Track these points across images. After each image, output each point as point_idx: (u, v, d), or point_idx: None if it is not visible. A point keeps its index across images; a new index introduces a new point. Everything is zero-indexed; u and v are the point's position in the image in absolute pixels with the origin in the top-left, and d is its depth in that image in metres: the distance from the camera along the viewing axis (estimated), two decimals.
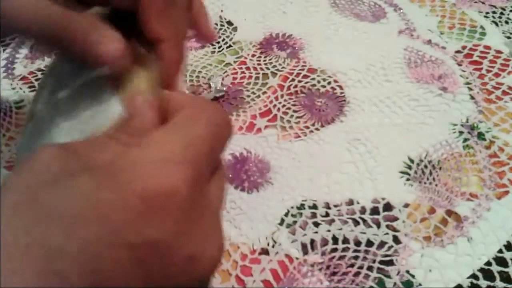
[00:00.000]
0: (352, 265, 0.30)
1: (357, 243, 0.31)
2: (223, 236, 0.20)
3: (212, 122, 0.20)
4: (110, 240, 0.16)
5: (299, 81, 0.42)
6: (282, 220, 0.33)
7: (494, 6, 0.49)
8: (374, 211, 0.33)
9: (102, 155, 0.18)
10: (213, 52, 0.45)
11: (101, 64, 0.21)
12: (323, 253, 0.31)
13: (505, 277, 0.30)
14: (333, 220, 0.33)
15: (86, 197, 0.17)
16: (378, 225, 0.32)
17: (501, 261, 0.31)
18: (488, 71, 0.43)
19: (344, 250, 0.31)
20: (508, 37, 0.46)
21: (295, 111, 0.39)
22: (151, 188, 0.17)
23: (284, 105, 0.40)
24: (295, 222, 0.32)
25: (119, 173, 0.17)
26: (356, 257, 0.31)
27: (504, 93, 0.41)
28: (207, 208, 0.19)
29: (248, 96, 0.41)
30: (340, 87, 0.41)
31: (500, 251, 0.31)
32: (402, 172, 0.35)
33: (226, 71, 0.43)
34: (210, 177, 0.20)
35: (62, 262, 0.16)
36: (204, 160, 0.19)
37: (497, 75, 0.42)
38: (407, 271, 0.30)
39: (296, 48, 0.45)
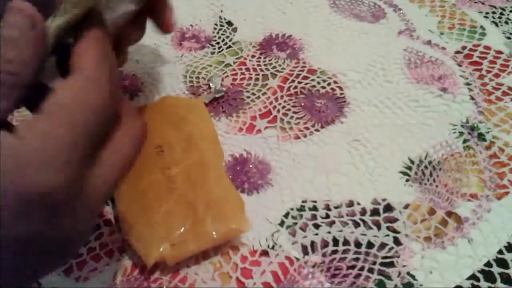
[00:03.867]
0: (352, 267, 0.30)
1: (358, 244, 0.31)
2: (93, 218, 0.22)
3: (98, 102, 0.20)
4: None
5: (299, 82, 0.42)
6: (282, 222, 0.33)
7: (494, 6, 0.49)
8: (375, 212, 0.33)
9: None
10: (212, 53, 0.45)
11: None
12: (323, 255, 0.31)
13: (505, 278, 0.30)
14: (333, 222, 0.32)
15: None
16: (379, 227, 0.32)
17: (502, 262, 0.30)
18: (488, 71, 0.42)
19: (344, 251, 0.31)
20: (508, 38, 0.46)
21: (295, 112, 0.39)
22: (26, 188, 0.18)
23: (284, 106, 0.40)
24: (295, 223, 0.32)
25: None
26: (356, 259, 0.31)
27: (504, 93, 0.41)
28: (80, 201, 0.20)
29: (248, 97, 0.41)
30: (340, 88, 0.41)
31: (501, 252, 0.31)
32: (402, 173, 0.35)
33: (225, 72, 0.43)
34: (94, 159, 0.21)
35: None
36: (83, 151, 0.19)
37: (497, 75, 0.42)
38: (408, 273, 0.30)
39: (296, 49, 0.45)
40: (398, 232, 0.32)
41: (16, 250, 0.19)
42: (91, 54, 0.21)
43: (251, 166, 0.36)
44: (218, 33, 0.47)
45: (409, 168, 0.35)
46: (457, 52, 0.44)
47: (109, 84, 0.21)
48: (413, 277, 0.30)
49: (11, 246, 0.19)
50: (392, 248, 0.31)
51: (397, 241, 0.31)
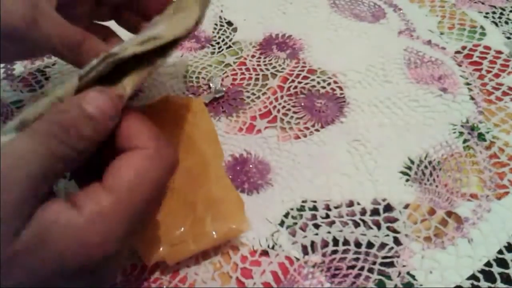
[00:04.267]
0: (352, 267, 0.30)
1: (358, 244, 0.31)
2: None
3: (162, 180, 0.21)
4: None
5: (299, 82, 0.42)
6: (282, 222, 0.33)
7: (494, 7, 0.49)
8: (375, 212, 0.33)
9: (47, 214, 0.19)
10: (212, 53, 0.45)
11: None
12: (323, 255, 0.31)
13: (505, 278, 0.30)
14: (333, 222, 0.32)
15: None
16: (379, 227, 0.32)
17: (502, 262, 0.30)
18: (488, 71, 0.42)
19: (344, 251, 0.31)
20: (508, 37, 0.46)
21: (295, 112, 0.39)
22: (77, 261, 0.19)
23: (284, 106, 0.40)
24: (295, 223, 0.32)
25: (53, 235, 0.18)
26: (356, 259, 0.31)
27: (504, 93, 0.41)
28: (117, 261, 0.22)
29: (248, 97, 0.41)
30: (340, 88, 0.41)
31: (501, 252, 0.31)
32: (402, 173, 0.35)
33: (225, 72, 0.43)
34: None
35: None
36: (136, 226, 0.21)
37: (497, 75, 0.42)
38: (408, 273, 0.30)
39: (296, 49, 0.45)
40: (398, 232, 0.32)
41: None
42: (146, 131, 0.22)
43: (251, 166, 0.36)
44: (218, 33, 0.47)
45: (409, 168, 0.35)
46: (457, 52, 0.44)
47: (167, 160, 0.22)
48: (413, 277, 0.30)
49: None
50: (392, 248, 0.31)
51: (397, 241, 0.31)
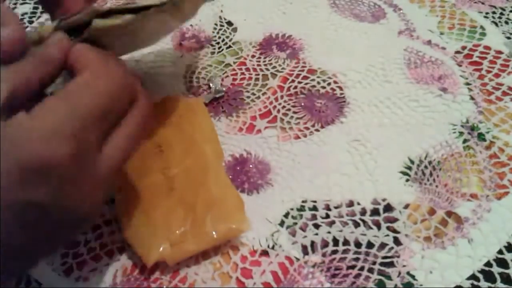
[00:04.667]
0: (352, 267, 0.30)
1: (358, 244, 0.31)
2: (101, 194, 0.23)
3: (107, 89, 0.22)
4: None
5: (299, 82, 0.42)
6: (282, 222, 0.33)
7: (494, 6, 0.49)
8: (375, 212, 0.33)
9: None
10: (212, 53, 0.45)
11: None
12: (323, 255, 0.31)
13: (505, 278, 0.30)
14: (333, 222, 0.32)
15: None
16: (379, 227, 0.32)
17: (502, 262, 0.30)
18: (488, 71, 0.42)
19: (344, 251, 0.31)
20: (508, 37, 0.46)
21: (295, 112, 0.39)
22: (32, 160, 0.19)
23: (284, 106, 0.40)
24: (295, 223, 0.32)
25: (3, 141, 0.19)
26: (356, 259, 0.31)
27: (504, 93, 0.41)
28: (88, 175, 0.21)
29: (248, 97, 0.41)
30: (340, 88, 0.41)
31: (501, 252, 0.31)
32: (402, 173, 0.35)
33: (225, 72, 0.43)
34: (103, 140, 0.23)
35: None
36: (91, 129, 0.21)
37: (497, 75, 0.42)
38: (408, 273, 0.30)
39: (296, 49, 0.45)
40: (398, 232, 0.32)
41: (22, 218, 0.20)
42: (90, 54, 0.24)
43: (251, 166, 0.36)
44: (218, 33, 0.47)
45: (409, 168, 0.35)
46: (457, 52, 0.44)
47: (115, 75, 0.23)
48: (413, 277, 0.30)
49: (16, 211, 0.19)
50: (392, 248, 0.31)
51: (397, 241, 0.31)
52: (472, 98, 0.40)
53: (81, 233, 0.31)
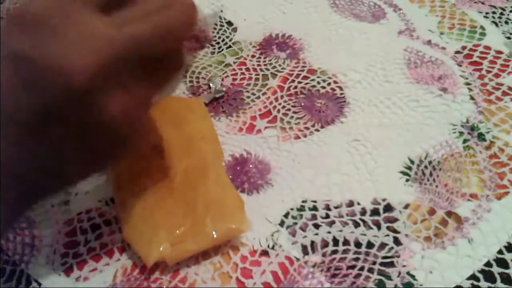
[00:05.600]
0: (352, 267, 0.30)
1: (358, 244, 0.31)
2: (98, 43, 0.21)
3: None
4: None
5: (299, 82, 0.42)
6: (282, 222, 0.33)
7: (494, 6, 0.49)
8: (375, 212, 0.33)
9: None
10: (212, 53, 0.45)
11: None
12: (323, 255, 0.31)
13: (505, 278, 0.30)
14: (333, 222, 0.32)
15: None
16: (379, 227, 0.32)
17: (502, 262, 0.30)
18: (488, 71, 0.42)
19: (344, 251, 0.31)
20: (508, 37, 0.46)
21: (295, 112, 0.39)
22: (19, 10, 0.20)
23: (284, 106, 0.40)
24: (295, 223, 0.32)
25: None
26: (356, 259, 0.31)
27: (504, 93, 0.41)
28: (72, 24, 0.20)
29: (248, 97, 0.41)
30: (340, 88, 0.41)
31: (501, 252, 0.31)
32: (402, 173, 0.35)
33: (225, 72, 0.43)
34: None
35: None
36: None
37: (497, 75, 0.42)
38: (408, 273, 0.30)
39: (296, 49, 0.45)
40: (398, 232, 0.32)
41: (17, 73, 0.20)
42: None
43: (251, 166, 0.36)
44: (218, 33, 0.47)
45: (409, 168, 0.35)
46: (457, 52, 0.44)
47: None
48: (413, 277, 0.30)
49: (10, 63, 0.20)
50: (392, 248, 0.31)
51: (397, 241, 0.31)
52: (472, 98, 0.40)
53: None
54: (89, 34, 0.21)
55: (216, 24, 0.48)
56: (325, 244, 0.31)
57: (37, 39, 0.20)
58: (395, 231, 0.32)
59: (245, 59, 0.44)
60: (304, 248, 0.31)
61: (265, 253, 0.31)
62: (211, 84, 0.41)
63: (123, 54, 0.21)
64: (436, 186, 0.34)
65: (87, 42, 0.20)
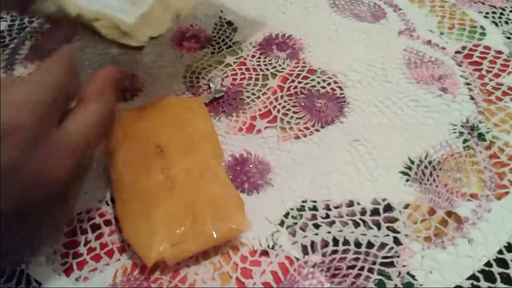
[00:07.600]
0: (352, 267, 0.30)
1: (358, 244, 0.31)
2: (73, 161, 0.26)
3: (54, 78, 0.26)
4: None
5: (299, 82, 0.42)
6: (282, 222, 0.33)
7: (494, 6, 0.49)
8: (375, 212, 0.33)
9: None
10: (212, 53, 0.45)
11: None
12: (323, 255, 0.31)
13: (505, 278, 0.30)
14: (333, 222, 0.32)
15: None
16: (379, 227, 0.32)
17: (502, 262, 0.30)
18: (488, 71, 0.42)
19: (344, 251, 0.31)
20: (508, 37, 0.46)
21: (295, 112, 0.39)
22: (4, 123, 0.22)
23: (284, 106, 0.40)
24: (295, 223, 0.32)
25: None
26: (356, 259, 0.31)
27: (504, 93, 0.41)
28: (51, 140, 0.24)
29: (248, 97, 0.41)
30: (340, 88, 0.41)
31: (501, 252, 0.31)
32: (402, 173, 0.35)
33: (225, 72, 0.43)
34: (61, 117, 0.26)
35: None
36: (49, 104, 0.25)
37: (497, 75, 0.42)
38: (408, 273, 0.30)
39: (296, 49, 0.45)
40: (398, 232, 0.32)
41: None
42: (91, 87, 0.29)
43: (251, 166, 0.36)
44: (218, 33, 0.47)
45: (409, 168, 0.35)
46: (457, 52, 0.44)
47: (61, 78, 0.26)
48: (413, 277, 0.30)
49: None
50: (392, 248, 0.31)
51: (397, 241, 0.31)
52: (472, 98, 0.40)
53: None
54: (64, 152, 0.25)
55: (216, 24, 0.48)
56: (325, 244, 0.31)
57: (26, 153, 0.23)
58: (395, 231, 0.32)
59: (245, 59, 0.44)
60: (304, 248, 0.31)
61: (265, 253, 0.31)
62: (211, 84, 0.41)
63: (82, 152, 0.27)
64: (436, 186, 0.34)
65: (64, 160, 0.25)
